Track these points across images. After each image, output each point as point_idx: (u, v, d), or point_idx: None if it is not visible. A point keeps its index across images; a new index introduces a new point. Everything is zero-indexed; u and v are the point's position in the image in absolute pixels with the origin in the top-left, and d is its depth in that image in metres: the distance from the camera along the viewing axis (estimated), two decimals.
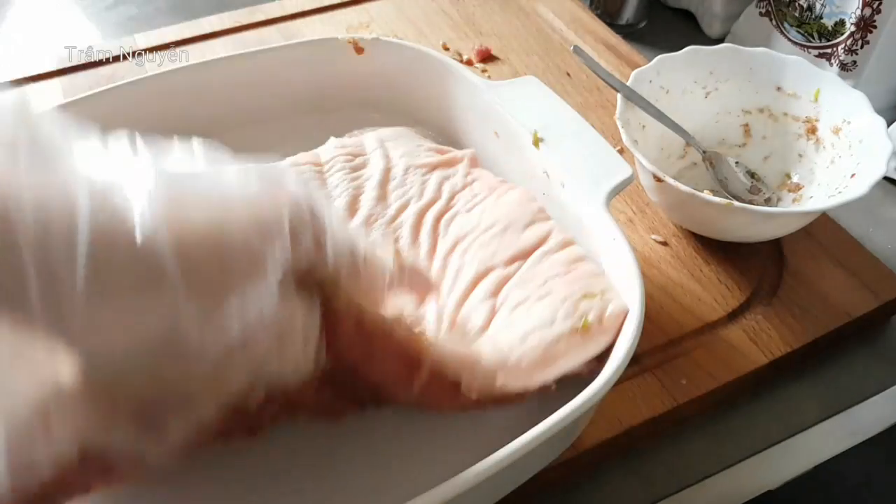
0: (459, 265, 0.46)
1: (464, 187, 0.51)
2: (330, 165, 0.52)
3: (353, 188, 0.50)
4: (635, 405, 0.46)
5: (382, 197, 0.50)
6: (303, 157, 0.52)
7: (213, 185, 0.30)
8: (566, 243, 0.46)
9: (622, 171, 0.46)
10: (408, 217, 0.49)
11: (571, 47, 0.62)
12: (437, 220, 0.49)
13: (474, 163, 0.53)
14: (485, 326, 0.43)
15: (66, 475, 0.30)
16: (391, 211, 0.49)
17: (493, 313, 0.43)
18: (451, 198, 0.50)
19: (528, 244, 0.46)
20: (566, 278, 0.44)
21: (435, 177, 0.51)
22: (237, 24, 0.72)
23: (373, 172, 0.51)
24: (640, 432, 0.45)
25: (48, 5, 0.82)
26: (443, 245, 0.47)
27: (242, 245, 0.29)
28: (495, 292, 0.44)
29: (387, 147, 0.53)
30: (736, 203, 0.49)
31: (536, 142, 0.49)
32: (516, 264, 0.45)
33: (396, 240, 0.48)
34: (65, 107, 0.51)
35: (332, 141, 0.54)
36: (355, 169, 0.52)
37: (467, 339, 0.42)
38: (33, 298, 0.25)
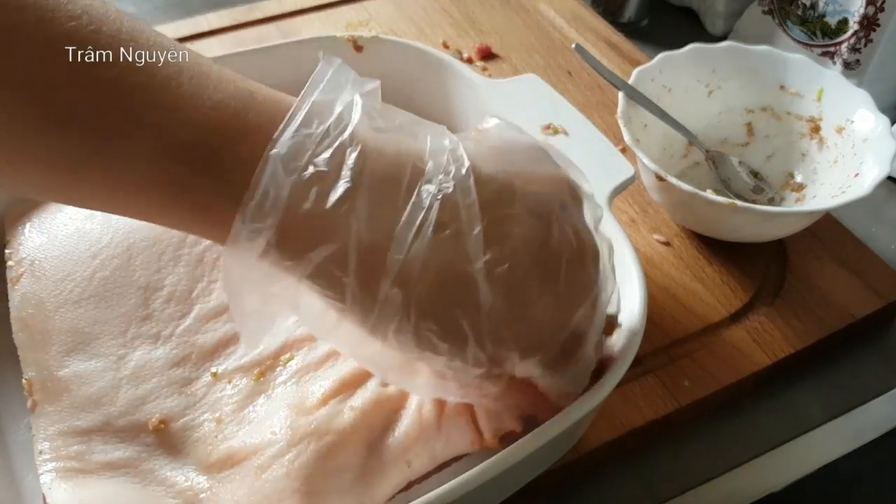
0: None
1: None
2: None
3: None
4: (637, 407, 0.45)
5: None
6: None
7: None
8: None
9: (624, 171, 0.46)
10: None
11: (573, 45, 0.62)
12: None
13: None
14: None
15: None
16: None
17: None
18: None
19: None
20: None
21: None
22: (235, 22, 0.71)
23: None
24: (643, 434, 0.45)
25: None
26: None
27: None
28: None
29: None
30: (739, 203, 0.49)
31: None
32: None
33: None
34: None
35: None
36: None
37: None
38: None
